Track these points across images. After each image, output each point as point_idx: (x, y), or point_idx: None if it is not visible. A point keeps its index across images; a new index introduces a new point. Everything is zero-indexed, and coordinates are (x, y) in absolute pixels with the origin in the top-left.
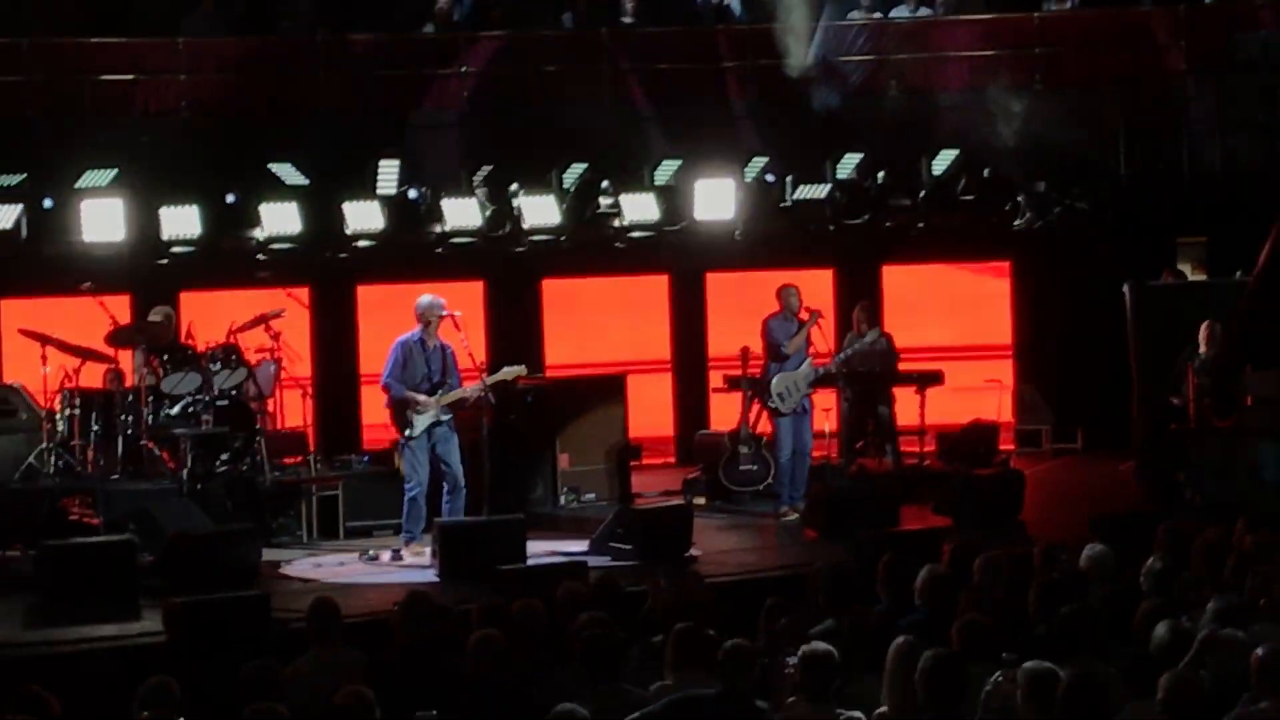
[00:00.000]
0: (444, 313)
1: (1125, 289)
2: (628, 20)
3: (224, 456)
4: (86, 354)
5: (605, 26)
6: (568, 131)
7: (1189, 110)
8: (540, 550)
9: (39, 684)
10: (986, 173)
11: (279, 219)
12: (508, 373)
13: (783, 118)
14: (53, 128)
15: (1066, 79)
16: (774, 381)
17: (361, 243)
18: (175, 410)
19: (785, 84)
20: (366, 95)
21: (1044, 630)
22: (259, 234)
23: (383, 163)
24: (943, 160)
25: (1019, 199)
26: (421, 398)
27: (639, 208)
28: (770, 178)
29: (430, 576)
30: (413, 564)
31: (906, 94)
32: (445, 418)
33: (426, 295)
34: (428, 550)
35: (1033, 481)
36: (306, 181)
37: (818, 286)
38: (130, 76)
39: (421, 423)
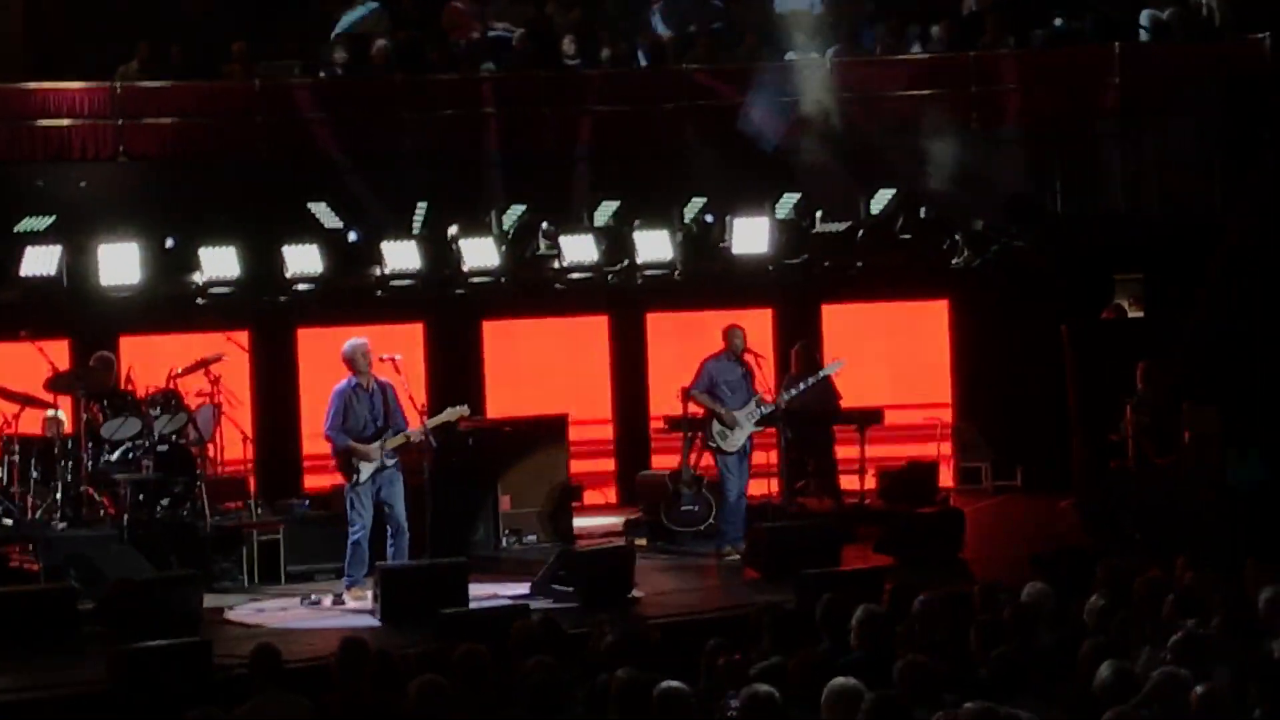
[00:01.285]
0: (369, 355)
1: (1063, 327)
2: (569, 62)
3: (164, 502)
4: (25, 400)
5: (543, 68)
6: (507, 172)
7: (1125, 148)
8: (482, 593)
9: None
10: (924, 211)
11: (218, 263)
12: (450, 414)
13: (721, 157)
14: None
15: (1003, 118)
16: (714, 421)
17: (301, 286)
18: (115, 456)
19: (724, 123)
20: (304, 139)
21: (985, 670)
22: (198, 278)
23: (312, 205)
24: (880, 199)
25: (956, 237)
26: (364, 447)
27: (578, 249)
28: (709, 218)
29: (372, 621)
30: (355, 608)
31: (844, 133)
32: (390, 462)
33: (350, 340)
34: (369, 594)
35: (973, 519)
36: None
37: (758, 326)
38: (67, 122)
39: (367, 469)
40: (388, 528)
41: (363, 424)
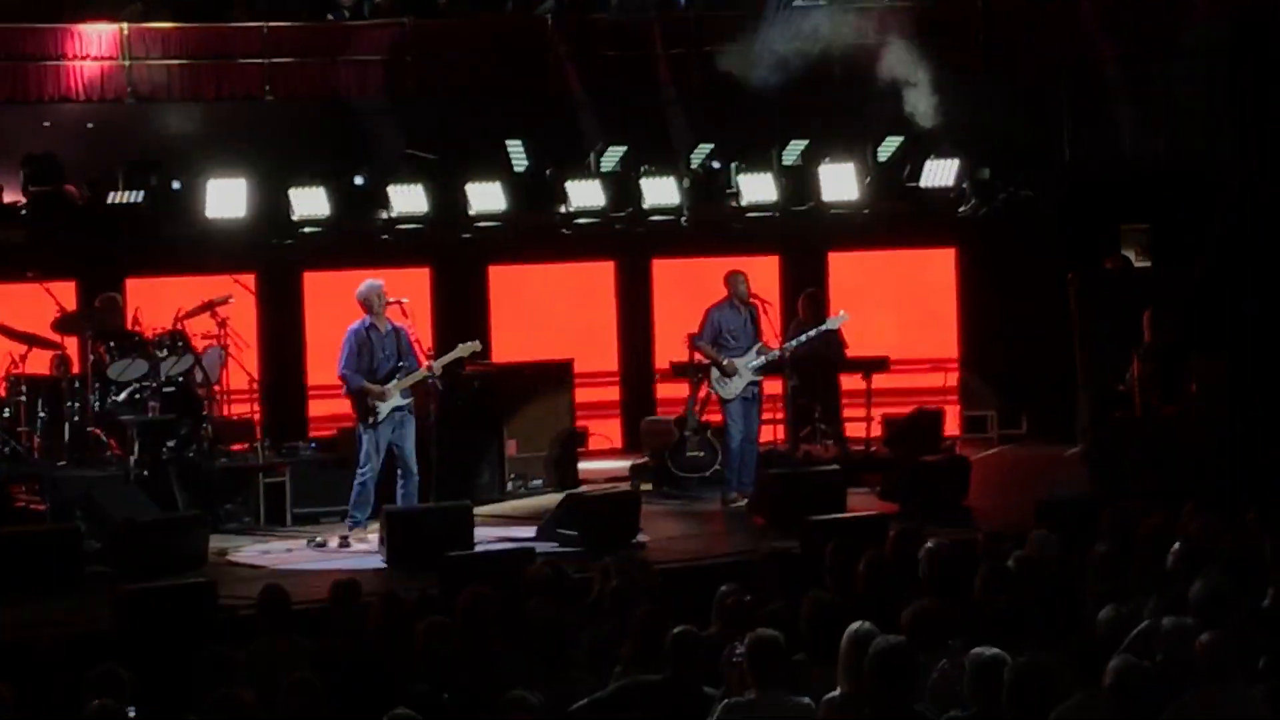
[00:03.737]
0: (386, 298)
1: (1069, 275)
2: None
3: (171, 443)
4: (33, 340)
5: (549, 14)
6: (512, 117)
7: (1132, 95)
8: (488, 536)
9: None
10: (931, 159)
11: (225, 204)
12: (463, 349)
13: (728, 104)
14: None
15: (1010, 65)
16: (714, 368)
17: (307, 229)
18: (122, 397)
19: (729, 69)
20: (312, 82)
21: (990, 617)
22: (205, 219)
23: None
24: (887, 147)
25: (964, 186)
26: (378, 388)
27: (585, 194)
28: (715, 165)
29: (378, 562)
30: (360, 550)
31: (850, 80)
32: (405, 402)
33: (365, 281)
34: (374, 536)
35: (978, 467)
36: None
37: (764, 273)
38: (77, 64)
39: (384, 409)
40: (397, 470)
41: (376, 364)
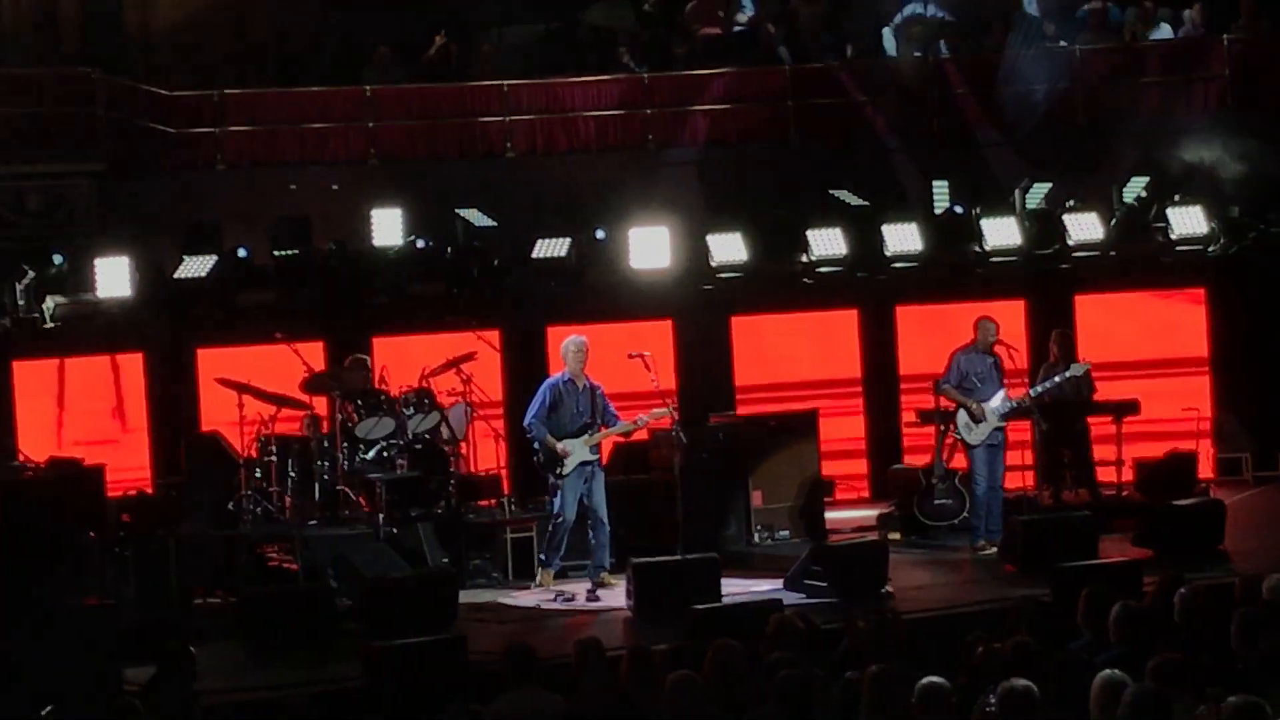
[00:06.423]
0: (582, 353)
1: None
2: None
3: (419, 500)
4: (282, 401)
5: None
6: (750, 168)
7: None
8: (734, 588)
9: None
10: (1177, 198)
11: (467, 264)
12: (655, 415)
13: (971, 148)
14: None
15: (1259, 102)
16: (960, 413)
17: (550, 283)
18: (370, 455)
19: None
20: (557, 138)
21: (1247, 663)
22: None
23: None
24: (1133, 188)
25: (1213, 225)
26: (555, 441)
27: (828, 243)
28: (959, 209)
29: (625, 614)
30: (609, 605)
31: (1097, 121)
32: (593, 457)
33: (570, 337)
34: (621, 587)
35: (1234, 510)
36: (495, 224)
37: (1010, 317)
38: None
39: (571, 463)
40: (588, 520)
41: (569, 418)
